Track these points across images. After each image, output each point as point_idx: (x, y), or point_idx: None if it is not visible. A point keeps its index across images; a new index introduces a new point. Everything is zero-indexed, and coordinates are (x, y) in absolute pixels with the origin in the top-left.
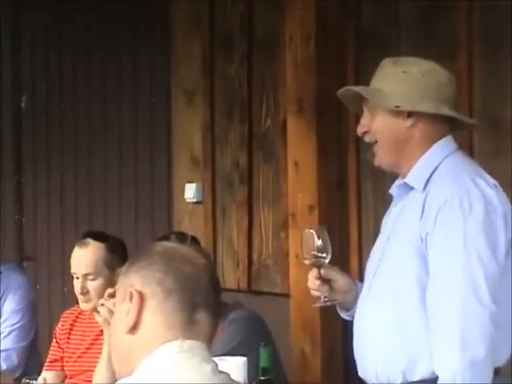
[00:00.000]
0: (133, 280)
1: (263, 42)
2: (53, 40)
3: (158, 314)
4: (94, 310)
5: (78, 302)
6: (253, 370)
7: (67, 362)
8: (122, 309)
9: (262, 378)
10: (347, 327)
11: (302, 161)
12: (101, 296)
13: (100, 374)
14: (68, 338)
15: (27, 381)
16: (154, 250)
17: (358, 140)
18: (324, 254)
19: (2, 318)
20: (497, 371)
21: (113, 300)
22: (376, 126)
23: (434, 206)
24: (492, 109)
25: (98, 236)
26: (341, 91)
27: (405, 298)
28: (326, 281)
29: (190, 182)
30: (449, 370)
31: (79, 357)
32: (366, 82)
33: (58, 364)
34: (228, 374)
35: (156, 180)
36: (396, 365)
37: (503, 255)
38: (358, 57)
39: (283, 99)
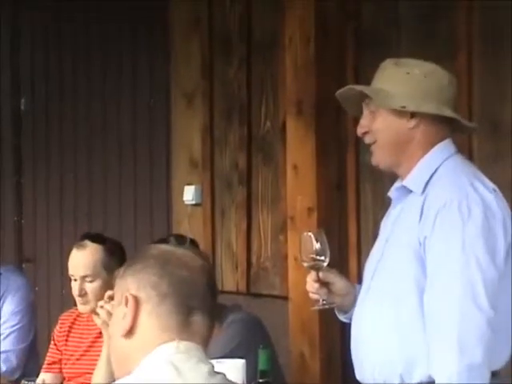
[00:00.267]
0: (129, 283)
1: (262, 44)
2: (53, 40)
3: (153, 318)
4: (92, 312)
5: (76, 304)
6: (251, 372)
7: (65, 364)
8: (119, 312)
9: (261, 381)
10: (345, 330)
11: (301, 163)
12: (99, 298)
13: (99, 376)
14: (66, 340)
15: (26, 382)
16: (149, 252)
17: (358, 142)
18: (322, 257)
19: (1, 320)
20: (494, 374)
21: (112, 302)
22: (377, 126)
23: (432, 208)
24: (492, 110)
25: (96, 238)
26: (342, 90)
27: (403, 300)
28: (324, 284)
29: (189, 184)
30: (446, 374)
31: (77, 359)
32: (366, 83)
33: (56, 366)
34: (224, 375)
35: (155, 182)
36: (394, 367)
37: (502, 260)
38: (358, 57)
39: (282, 101)
